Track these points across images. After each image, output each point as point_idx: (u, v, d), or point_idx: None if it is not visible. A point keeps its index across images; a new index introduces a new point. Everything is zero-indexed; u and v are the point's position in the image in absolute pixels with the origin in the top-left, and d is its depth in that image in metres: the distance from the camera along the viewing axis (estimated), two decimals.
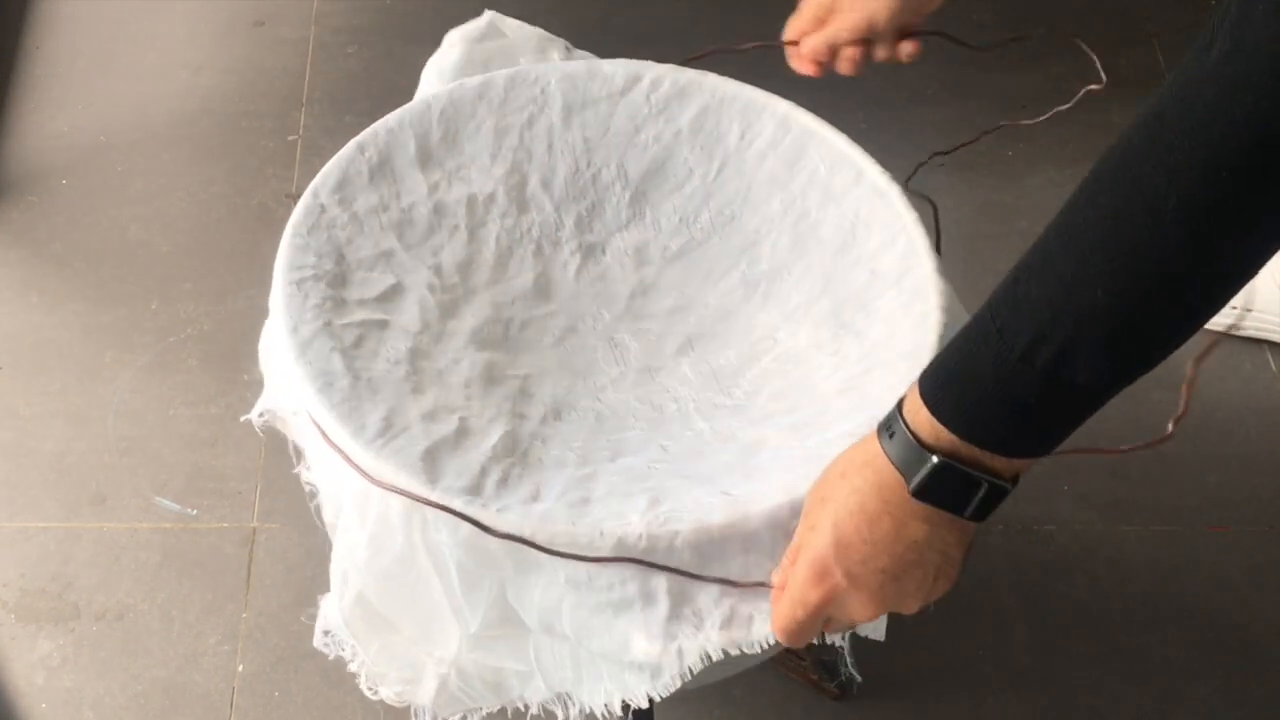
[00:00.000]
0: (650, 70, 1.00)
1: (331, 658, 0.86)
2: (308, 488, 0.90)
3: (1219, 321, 1.47)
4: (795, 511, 0.75)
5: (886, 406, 0.68)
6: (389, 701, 0.86)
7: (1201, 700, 1.26)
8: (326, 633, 0.85)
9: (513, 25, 1.03)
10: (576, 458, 0.84)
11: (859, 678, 0.91)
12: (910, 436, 0.64)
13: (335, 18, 1.80)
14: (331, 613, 0.84)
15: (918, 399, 0.64)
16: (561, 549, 0.74)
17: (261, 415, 0.88)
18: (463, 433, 0.83)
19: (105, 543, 1.32)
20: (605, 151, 0.99)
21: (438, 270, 0.93)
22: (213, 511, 1.35)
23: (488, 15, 1.03)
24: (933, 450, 0.63)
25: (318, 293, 0.87)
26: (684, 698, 1.22)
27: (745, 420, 0.87)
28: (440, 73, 1.01)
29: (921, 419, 0.64)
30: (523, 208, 0.97)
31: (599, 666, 0.79)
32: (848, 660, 0.87)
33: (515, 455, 0.83)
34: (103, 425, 1.41)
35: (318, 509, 0.89)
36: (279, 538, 1.33)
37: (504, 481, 0.80)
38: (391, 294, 0.91)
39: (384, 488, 0.77)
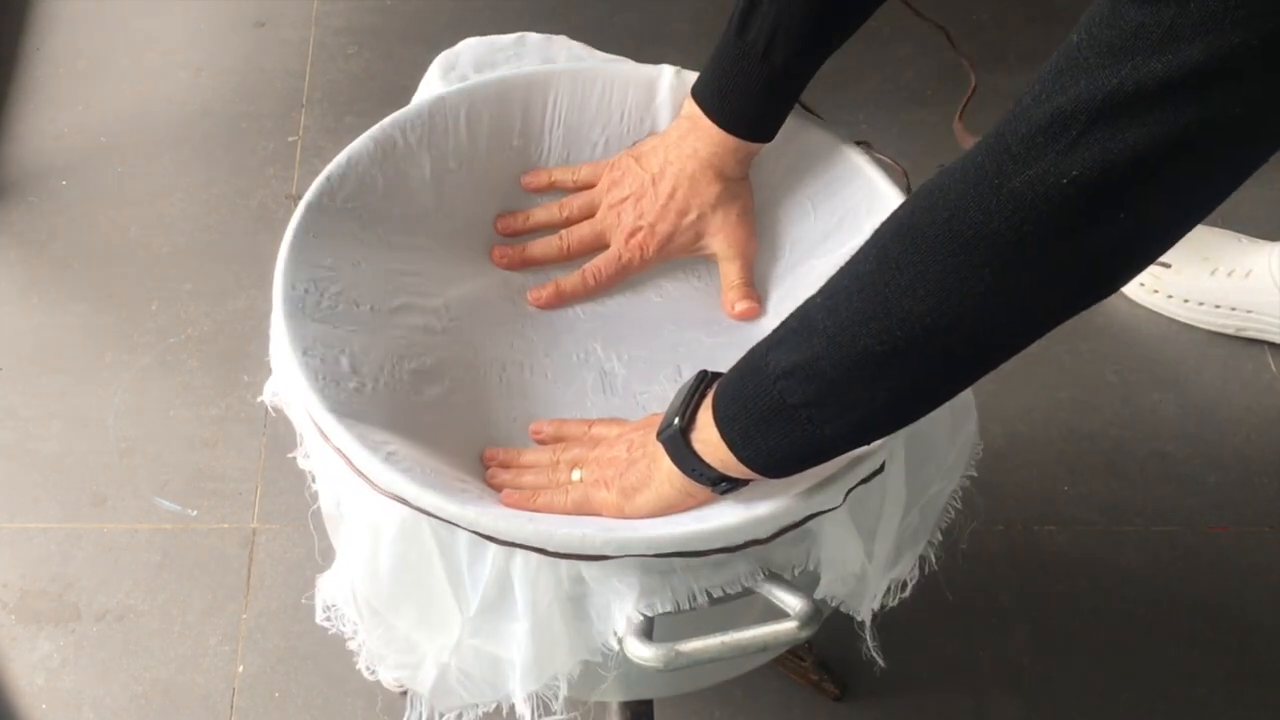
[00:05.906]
0: (667, 71, 0.99)
1: (331, 633, 0.86)
2: (306, 475, 0.90)
3: (1224, 324, 1.47)
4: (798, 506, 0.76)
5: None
6: (386, 685, 0.85)
7: (1201, 700, 1.26)
8: (329, 608, 0.85)
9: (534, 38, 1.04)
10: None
11: (881, 661, 0.92)
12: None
13: (335, 18, 1.80)
14: (332, 589, 0.84)
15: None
16: (568, 550, 0.75)
17: (274, 395, 0.88)
18: (444, 431, 0.84)
19: (105, 543, 1.32)
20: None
21: (443, 277, 0.94)
22: (213, 512, 1.35)
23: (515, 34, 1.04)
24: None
25: (316, 287, 0.88)
26: (684, 698, 1.23)
27: None
28: (446, 70, 1.01)
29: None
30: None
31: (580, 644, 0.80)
32: (870, 645, 0.89)
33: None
34: (103, 426, 1.41)
35: (315, 496, 0.90)
36: (279, 538, 1.33)
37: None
38: (392, 295, 0.91)
39: (384, 495, 0.77)
